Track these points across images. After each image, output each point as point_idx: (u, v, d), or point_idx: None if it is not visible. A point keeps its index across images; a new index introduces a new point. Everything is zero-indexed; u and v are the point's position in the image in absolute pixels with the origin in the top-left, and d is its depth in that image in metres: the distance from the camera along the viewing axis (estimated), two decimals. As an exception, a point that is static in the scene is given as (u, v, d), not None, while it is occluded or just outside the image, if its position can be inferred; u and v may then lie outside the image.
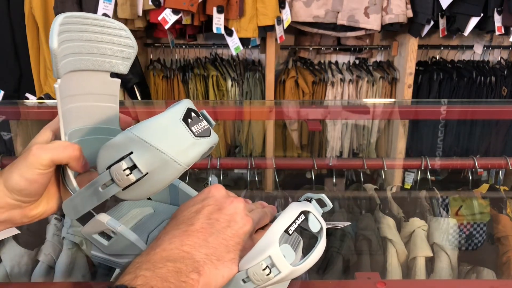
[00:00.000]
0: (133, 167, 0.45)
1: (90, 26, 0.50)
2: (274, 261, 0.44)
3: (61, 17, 0.47)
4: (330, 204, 0.55)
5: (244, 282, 0.46)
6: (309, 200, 0.55)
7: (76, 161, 0.49)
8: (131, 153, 0.45)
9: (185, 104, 0.48)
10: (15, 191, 0.48)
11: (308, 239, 0.61)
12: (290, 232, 0.47)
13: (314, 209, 0.51)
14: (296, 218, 0.48)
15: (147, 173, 0.45)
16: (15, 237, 0.99)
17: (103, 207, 0.55)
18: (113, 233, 0.53)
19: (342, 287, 0.59)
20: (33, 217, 0.52)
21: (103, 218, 0.52)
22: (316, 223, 0.50)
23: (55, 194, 0.53)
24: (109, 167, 0.46)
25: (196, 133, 0.47)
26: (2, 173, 0.49)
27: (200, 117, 0.49)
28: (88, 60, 0.50)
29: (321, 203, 0.56)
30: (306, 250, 0.50)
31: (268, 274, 0.45)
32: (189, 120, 0.47)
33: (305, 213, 0.49)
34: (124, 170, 0.45)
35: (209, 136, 0.48)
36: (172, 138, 0.45)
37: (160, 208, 0.64)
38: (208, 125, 0.49)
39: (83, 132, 0.54)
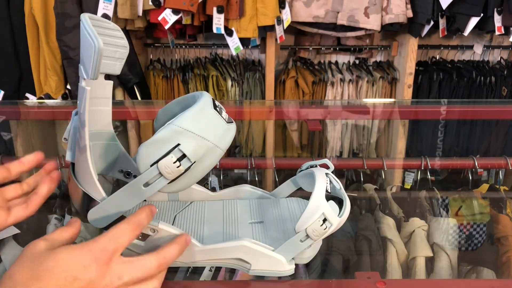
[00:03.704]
0: (180, 159, 0.47)
1: (96, 28, 0.50)
2: (327, 216, 0.52)
3: (87, 17, 0.48)
4: (332, 166, 0.62)
5: (302, 241, 0.53)
6: (314, 166, 0.62)
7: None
8: (178, 144, 0.46)
9: (209, 95, 0.51)
10: None
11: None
12: (329, 190, 0.55)
13: (328, 171, 0.59)
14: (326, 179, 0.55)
15: (194, 162, 0.47)
16: (15, 237, 0.99)
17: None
18: (152, 231, 0.53)
19: (342, 286, 0.59)
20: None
21: None
22: (336, 183, 0.57)
23: None
24: (154, 163, 0.47)
25: (226, 120, 0.50)
26: None
27: (219, 106, 0.51)
28: None
29: (325, 167, 0.62)
30: None
31: (325, 229, 0.52)
32: (217, 108, 0.50)
33: (326, 175, 0.57)
34: (175, 162, 0.46)
35: (232, 122, 0.51)
36: (211, 125, 0.48)
37: (162, 206, 0.64)
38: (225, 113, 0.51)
39: None
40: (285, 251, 0.54)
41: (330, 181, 0.56)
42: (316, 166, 0.62)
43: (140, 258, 0.46)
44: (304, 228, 0.52)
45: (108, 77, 0.54)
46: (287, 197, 0.68)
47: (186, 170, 0.47)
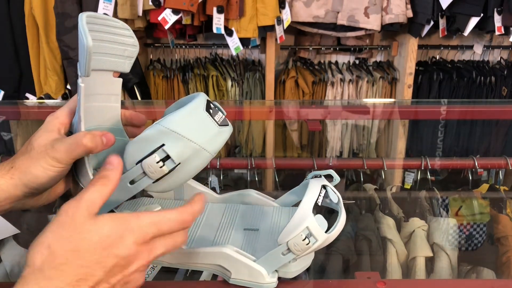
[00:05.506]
0: (165, 159, 0.46)
1: (100, 26, 0.50)
2: (311, 231, 0.49)
3: (84, 16, 0.48)
4: (338, 178, 0.59)
5: (284, 254, 0.51)
6: (318, 176, 0.58)
7: (95, 150, 0.48)
8: (163, 145, 0.46)
9: (204, 96, 0.50)
10: (33, 186, 0.48)
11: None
12: (320, 204, 0.52)
13: (328, 183, 0.56)
14: (320, 191, 0.53)
15: (179, 163, 0.47)
16: (15, 237, 0.99)
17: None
18: None
19: (342, 286, 0.59)
20: (34, 206, 0.52)
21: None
22: (334, 195, 0.55)
23: (60, 184, 0.53)
24: (139, 162, 0.47)
25: (219, 122, 0.49)
26: (17, 166, 0.48)
27: (216, 108, 0.51)
28: (96, 60, 0.51)
29: (329, 178, 0.60)
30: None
31: (307, 244, 0.49)
32: (211, 110, 0.49)
33: (324, 187, 0.54)
34: (158, 162, 0.46)
35: (228, 125, 0.51)
36: (200, 128, 0.48)
37: (166, 204, 0.65)
38: (224, 115, 0.51)
39: None
40: (266, 263, 0.52)
41: (326, 194, 0.54)
42: (320, 176, 0.59)
43: (172, 235, 0.45)
44: (286, 241, 0.50)
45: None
46: (293, 206, 0.66)
47: (170, 171, 0.47)
